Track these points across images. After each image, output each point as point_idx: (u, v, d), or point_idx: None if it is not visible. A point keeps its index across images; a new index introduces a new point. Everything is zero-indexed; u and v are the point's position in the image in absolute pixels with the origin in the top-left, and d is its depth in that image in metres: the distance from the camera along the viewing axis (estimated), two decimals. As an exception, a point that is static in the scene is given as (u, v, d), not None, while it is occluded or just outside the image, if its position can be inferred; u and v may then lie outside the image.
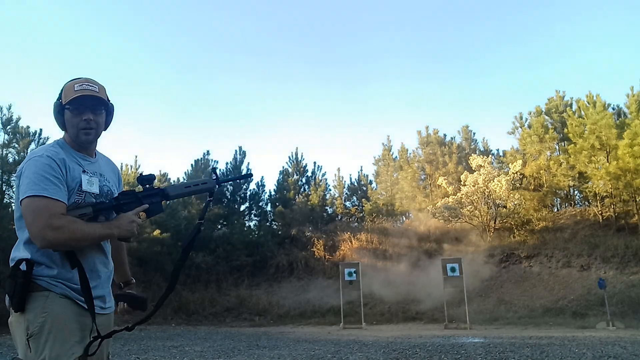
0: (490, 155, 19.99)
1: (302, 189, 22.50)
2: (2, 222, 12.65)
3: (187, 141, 42.71)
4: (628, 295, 12.10)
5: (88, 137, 1.86)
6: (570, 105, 19.52)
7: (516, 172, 17.60)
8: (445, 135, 21.97)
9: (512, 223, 17.38)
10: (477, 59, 40.89)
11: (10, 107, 15.79)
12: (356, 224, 21.39)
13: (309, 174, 23.19)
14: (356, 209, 21.94)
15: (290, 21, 46.82)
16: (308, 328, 13.52)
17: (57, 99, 1.85)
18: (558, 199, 19.94)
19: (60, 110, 1.84)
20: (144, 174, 1.96)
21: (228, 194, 21.52)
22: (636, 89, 16.99)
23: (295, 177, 22.76)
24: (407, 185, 21.01)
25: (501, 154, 21.68)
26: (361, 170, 24.50)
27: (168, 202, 2.80)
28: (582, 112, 17.87)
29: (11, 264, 1.75)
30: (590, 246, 15.07)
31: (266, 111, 43.89)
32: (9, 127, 15.62)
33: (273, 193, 22.66)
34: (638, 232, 15.20)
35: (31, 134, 15.95)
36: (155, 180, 2.02)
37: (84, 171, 1.84)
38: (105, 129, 1.94)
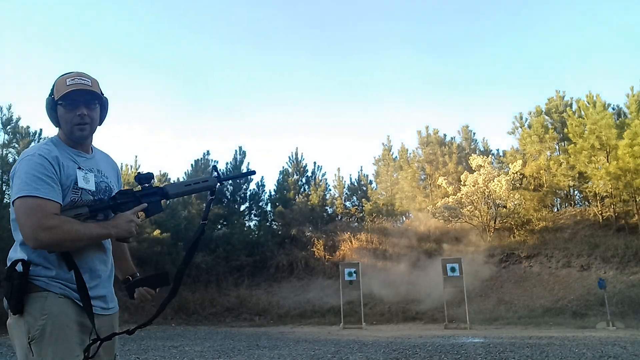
0: (490, 155, 19.97)
1: (302, 189, 22.49)
2: (2, 222, 12.64)
3: (187, 141, 42.74)
4: (628, 295, 12.10)
5: (83, 132, 1.79)
6: (570, 105, 19.51)
7: (516, 172, 17.59)
8: (445, 135, 21.97)
9: (512, 223, 17.37)
10: (477, 59, 40.93)
11: (10, 107, 15.87)
12: (356, 224, 21.38)
13: (309, 174, 23.18)
14: (356, 209, 21.93)
15: (291, 20, 46.87)
16: (308, 328, 13.52)
17: (49, 95, 1.77)
18: (558, 199, 19.93)
19: (53, 107, 1.77)
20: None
21: (228, 194, 21.50)
22: (636, 89, 17.00)
23: (295, 177, 22.75)
24: (407, 185, 21.00)
25: (501, 154, 21.67)
26: (361, 170, 24.52)
27: (168, 201, 2.75)
28: (582, 112, 17.86)
29: (7, 265, 1.70)
30: (590, 246, 15.07)
31: (266, 111, 43.96)
32: (9, 127, 15.66)
33: (273, 193, 22.68)
34: (638, 232, 15.20)
35: (31, 134, 15.98)
36: (155, 180, 1.98)
37: (79, 168, 1.76)
38: (100, 124, 1.86)
